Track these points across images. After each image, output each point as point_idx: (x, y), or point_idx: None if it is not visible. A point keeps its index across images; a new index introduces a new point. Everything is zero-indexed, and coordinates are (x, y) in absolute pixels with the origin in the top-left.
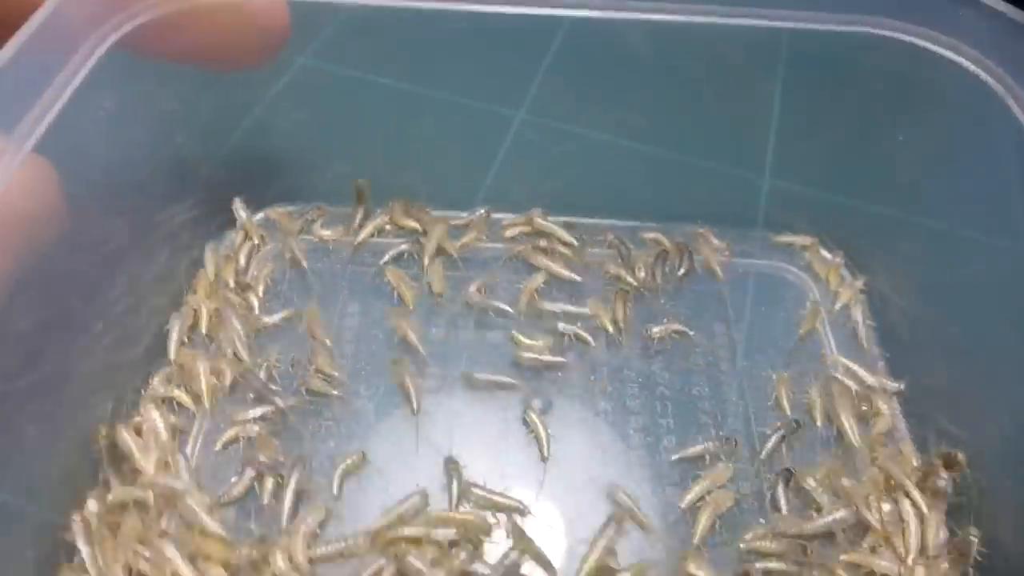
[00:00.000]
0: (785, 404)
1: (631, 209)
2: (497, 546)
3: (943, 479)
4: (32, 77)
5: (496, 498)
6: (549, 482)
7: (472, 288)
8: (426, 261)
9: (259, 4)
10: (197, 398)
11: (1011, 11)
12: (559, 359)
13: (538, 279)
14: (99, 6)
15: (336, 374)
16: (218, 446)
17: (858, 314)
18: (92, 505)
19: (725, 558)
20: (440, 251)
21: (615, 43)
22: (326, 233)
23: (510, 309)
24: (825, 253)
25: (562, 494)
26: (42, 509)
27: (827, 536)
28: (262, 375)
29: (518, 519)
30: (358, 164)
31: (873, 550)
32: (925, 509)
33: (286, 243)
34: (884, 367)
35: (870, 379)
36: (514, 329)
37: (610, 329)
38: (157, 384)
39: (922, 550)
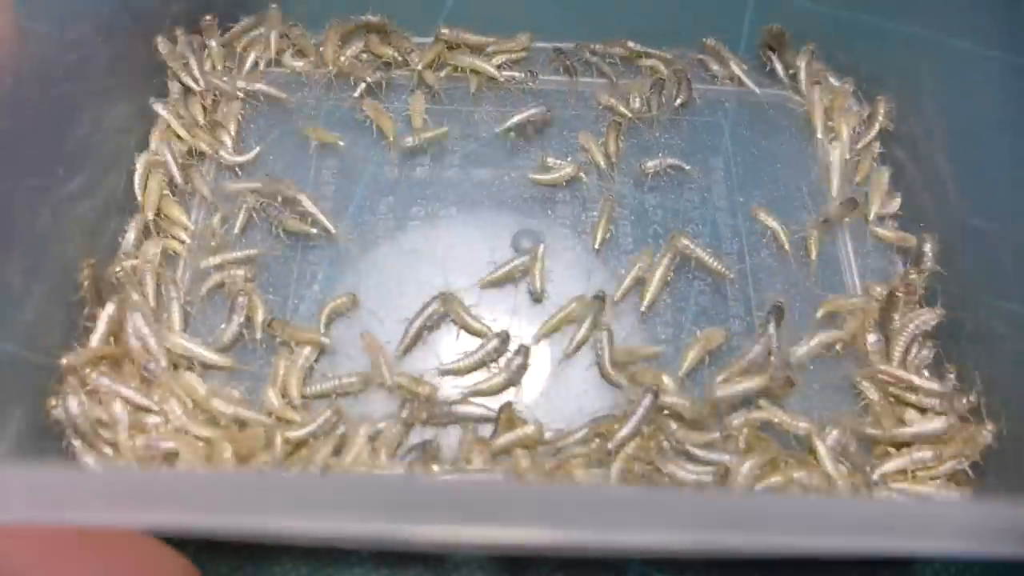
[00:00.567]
0: (783, 239)
1: (617, 31)
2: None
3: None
4: None
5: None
6: (541, 317)
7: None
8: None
9: None
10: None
11: None
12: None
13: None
14: None
15: (315, 211)
16: (203, 291)
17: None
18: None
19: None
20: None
21: None
22: (298, 64)
23: None
24: (834, 82)
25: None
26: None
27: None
28: (240, 218)
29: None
30: None
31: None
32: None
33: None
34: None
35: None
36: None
37: (601, 164)
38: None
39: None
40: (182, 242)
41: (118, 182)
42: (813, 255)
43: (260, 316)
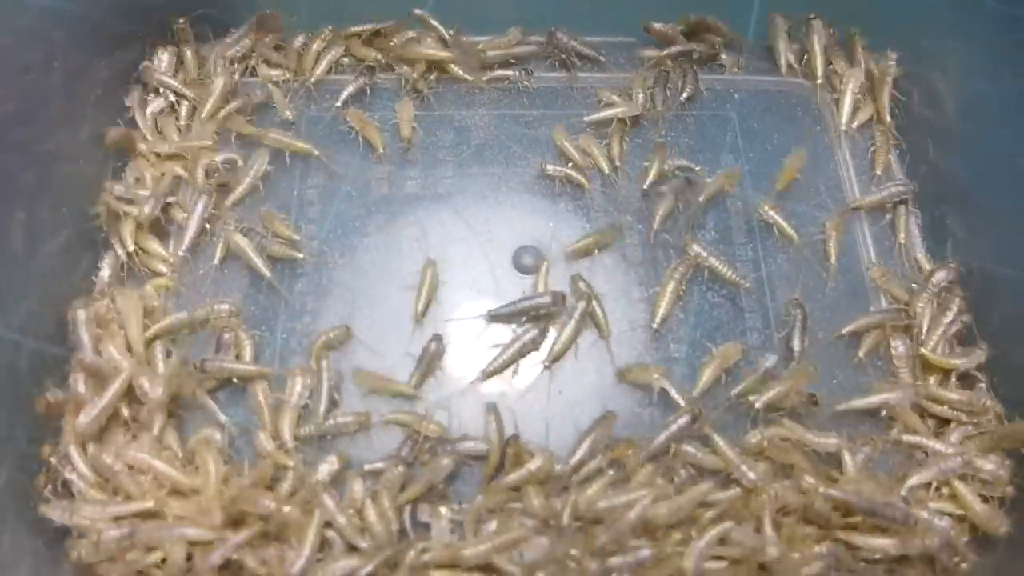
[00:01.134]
0: (790, 233)
1: (616, 22)
2: None
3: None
4: None
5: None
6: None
7: None
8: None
9: None
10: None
11: None
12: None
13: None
14: None
15: (297, 237)
16: (185, 329)
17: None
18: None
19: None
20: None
21: None
22: (274, 73)
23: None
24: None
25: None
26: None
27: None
28: (219, 248)
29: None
30: None
31: None
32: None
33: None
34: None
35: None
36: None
37: (605, 169)
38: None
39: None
40: (161, 274)
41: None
42: (832, 258)
43: (248, 354)
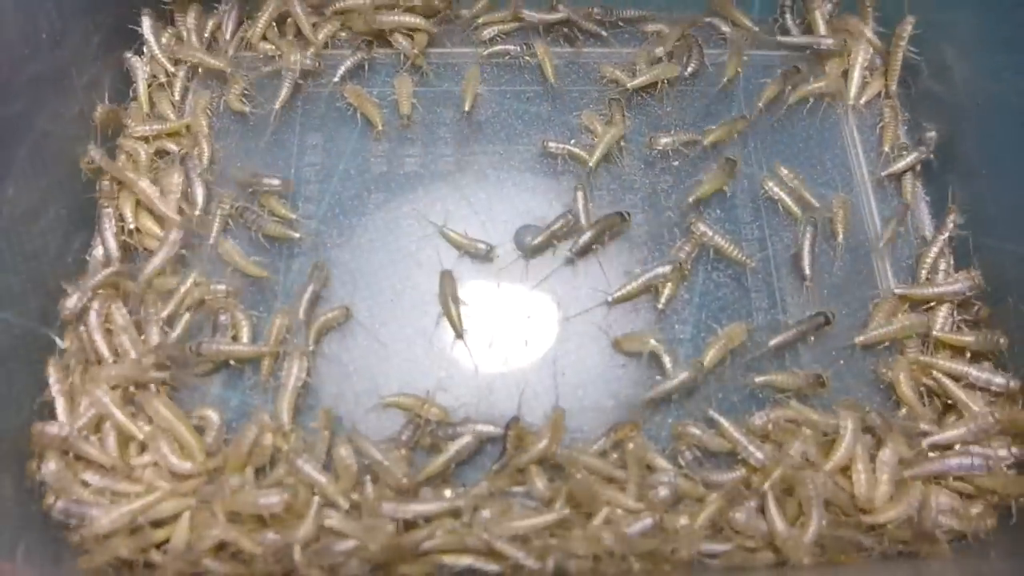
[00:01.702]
0: (791, 206)
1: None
2: None
3: None
4: None
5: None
6: (540, 316)
7: None
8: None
9: None
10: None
11: None
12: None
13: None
14: None
15: (294, 216)
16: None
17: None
18: None
19: (737, 395)
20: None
21: None
22: (269, 47)
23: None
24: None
25: (552, 336)
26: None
27: None
28: (215, 227)
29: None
30: None
31: None
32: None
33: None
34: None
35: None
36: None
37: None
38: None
39: None
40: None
41: (79, 193)
42: (840, 236)
43: (245, 335)
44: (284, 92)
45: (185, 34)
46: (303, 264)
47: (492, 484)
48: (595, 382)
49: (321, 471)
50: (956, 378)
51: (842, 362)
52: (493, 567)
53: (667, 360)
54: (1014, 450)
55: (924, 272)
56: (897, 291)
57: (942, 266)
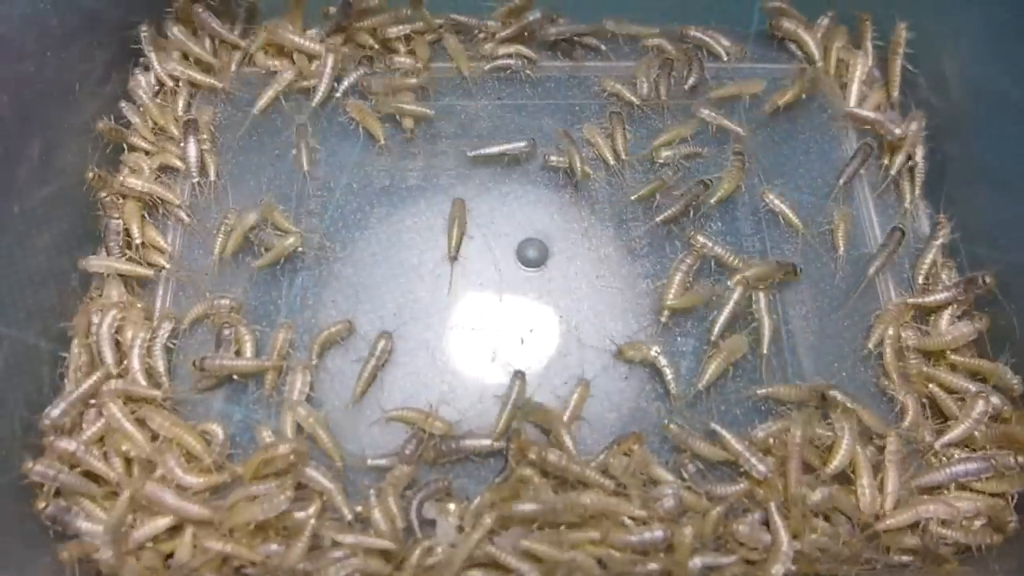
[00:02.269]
0: (792, 218)
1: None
2: None
3: None
4: None
5: None
6: (544, 334)
7: None
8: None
9: None
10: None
11: None
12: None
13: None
14: None
15: (296, 230)
16: (184, 324)
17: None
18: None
19: (741, 408)
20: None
21: None
22: (274, 63)
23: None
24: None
25: (554, 349)
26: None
27: None
28: (218, 241)
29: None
30: None
31: None
32: None
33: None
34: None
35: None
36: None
37: (610, 160)
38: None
39: None
40: (161, 268)
41: (82, 209)
42: (840, 249)
43: (249, 349)
44: (265, 99)
45: (180, 53)
46: (305, 279)
47: (493, 496)
48: (597, 395)
49: (330, 479)
50: (955, 391)
51: (844, 374)
52: None
53: (668, 372)
54: (1020, 459)
55: (921, 278)
56: (910, 301)
57: (943, 273)
